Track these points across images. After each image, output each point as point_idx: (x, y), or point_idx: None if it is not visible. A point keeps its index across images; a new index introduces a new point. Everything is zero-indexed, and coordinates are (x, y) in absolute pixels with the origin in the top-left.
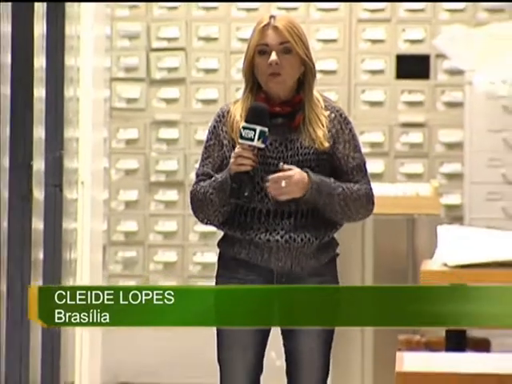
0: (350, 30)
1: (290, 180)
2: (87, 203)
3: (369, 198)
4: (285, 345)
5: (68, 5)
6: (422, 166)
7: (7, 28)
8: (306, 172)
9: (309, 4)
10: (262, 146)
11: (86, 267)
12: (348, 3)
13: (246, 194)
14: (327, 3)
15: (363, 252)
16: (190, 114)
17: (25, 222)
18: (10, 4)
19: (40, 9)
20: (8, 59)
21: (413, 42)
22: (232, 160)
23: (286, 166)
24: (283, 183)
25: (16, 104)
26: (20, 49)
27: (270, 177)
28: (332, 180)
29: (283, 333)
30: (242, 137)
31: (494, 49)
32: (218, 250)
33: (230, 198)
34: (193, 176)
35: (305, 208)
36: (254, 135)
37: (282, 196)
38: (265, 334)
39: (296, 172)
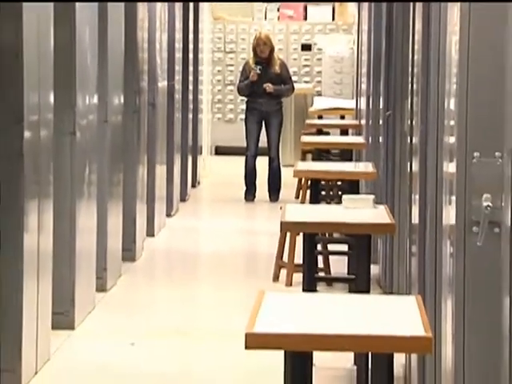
0: (287, 37)
1: (270, 87)
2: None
3: (292, 89)
4: (266, 130)
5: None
6: (309, 79)
7: (180, 35)
8: (270, 85)
9: (274, 28)
10: (259, 72)
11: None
12: (287, 29)
13: (255, 87)
14: (279, 27)
15: (291, 107)
16: (237, 63)
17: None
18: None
19: (191, 23)
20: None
21: (307, 39)
22: (250, 76)
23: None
24: (267, 88)
25: (183, 64)
26: (185, 42)
27: (267, 86)
28: (281, 86)
29: (266, 128)
30: (253, 68)
31: (332, 41)
32: (245, 105)
33: (251, 88)
34: (237, 82)
35: (274, 94)
36: (257, 68)
37: (269, 91)
38: (261, 127)
39: (273, 87)
